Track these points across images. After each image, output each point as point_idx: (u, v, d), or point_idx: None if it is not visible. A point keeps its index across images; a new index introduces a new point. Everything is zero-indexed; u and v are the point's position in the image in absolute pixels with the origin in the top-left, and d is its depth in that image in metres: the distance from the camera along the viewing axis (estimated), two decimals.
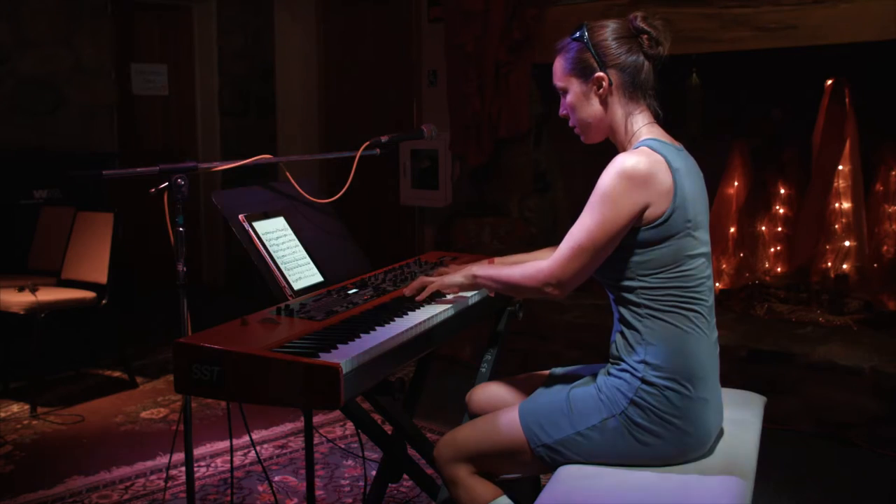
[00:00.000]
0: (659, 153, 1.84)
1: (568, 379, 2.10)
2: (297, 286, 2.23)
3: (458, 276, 2.10)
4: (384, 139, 2.53)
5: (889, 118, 4.29)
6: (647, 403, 1.83)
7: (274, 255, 2.23)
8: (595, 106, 1.96)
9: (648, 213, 1.81)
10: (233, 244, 6.33)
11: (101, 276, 4.20)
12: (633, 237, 1.84)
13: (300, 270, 2.28)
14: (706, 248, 1.90)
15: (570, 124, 2.02)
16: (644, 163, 1.81)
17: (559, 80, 1.99)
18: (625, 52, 1.92)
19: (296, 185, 2.49)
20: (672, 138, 1.96)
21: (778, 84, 4.63)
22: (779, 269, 4.72)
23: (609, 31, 1.93)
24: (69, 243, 4.38)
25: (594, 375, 1.97)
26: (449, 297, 2.16)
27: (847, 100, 4.41)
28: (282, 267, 2.22)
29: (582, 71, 1.94)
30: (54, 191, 5.14)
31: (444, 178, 5.59)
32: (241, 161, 2.35)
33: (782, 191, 4.76)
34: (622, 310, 1.91)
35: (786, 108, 4.74)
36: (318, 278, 2.32)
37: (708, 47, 4.21)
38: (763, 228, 4.77)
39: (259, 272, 2.21)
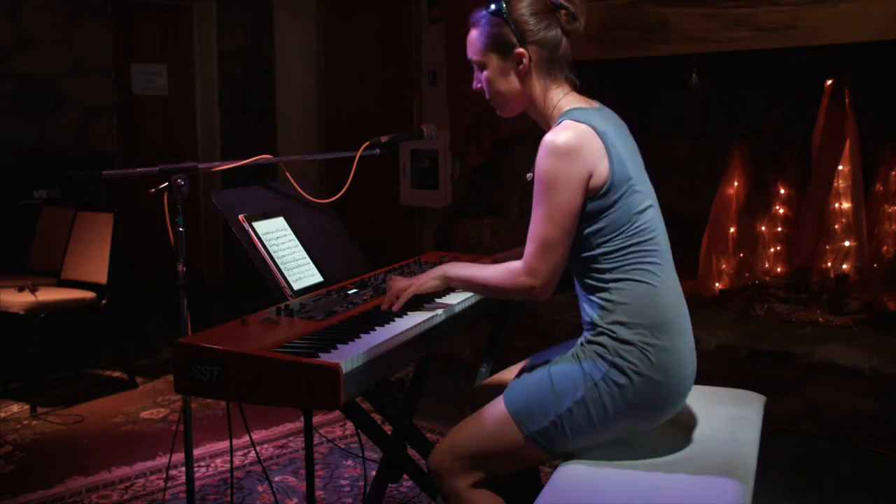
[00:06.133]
0: (583, 122, 1.84)
1: (544, 360, 2.08)
2: (296, 286, 2.23)
3: (430, 279, 2.04)
4: (384, 139, 2.53)
5: (889, 118, 4.29)
6: (627, 361, 1.83)
7: (274, 255, 2.23)
8: (514, 82, 1.95)
9: (593, 182, 1.82)
10: (233, 244, 6.33)
11: (101, 276, 4.20)
12: (584, 212, 1.84)
13: (300, 270, 2.28)
14: (652, 200, 1.92)
15: (487, 97, 2.01)
16: (571, 136, 1.81)
17: (476, 54, 1.97)
18: (544, 27, 1.91)
19: (296, 185, 2.49)
20: (590, 100, 1.96)
21: (778, 84, 4.64)
22: (779, 269, 4.72)
23: (527, 4, 1.91)
24: (69, 243, 4.38)
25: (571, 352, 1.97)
26: (428, 305, 2.08)
27: (847, 100, 4.40)
28: (281, 267, 2.22)
29: (500, 46, 1.93)
30: (54, 191, 5.15)
31: (444, 178, 5.59)
32: (241, 161, 2.35)
33: (782, 191, 4.76)
34: (587, 279, 1.91)
35: (786, 108, 4.74)
36: (318, 278, 2.32)
37: (708, 47, 4.21)
38: (763, 228, 4.76)
39: (259, 272, 2.21)
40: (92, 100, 5.82)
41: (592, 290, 1.90)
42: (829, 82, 4.47)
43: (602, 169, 1.82)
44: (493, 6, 1.93)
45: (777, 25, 3.97)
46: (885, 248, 4.40)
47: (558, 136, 1.82)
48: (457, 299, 2.16)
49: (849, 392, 3.54)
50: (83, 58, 5.76)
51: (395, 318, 1.97)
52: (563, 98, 1.95)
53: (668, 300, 1.89)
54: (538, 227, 1.83)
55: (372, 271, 2.46)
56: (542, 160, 1.82)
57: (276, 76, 6.82)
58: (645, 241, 1.87)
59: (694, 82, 4.64)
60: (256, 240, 2.23)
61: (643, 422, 1.89)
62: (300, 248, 2.34)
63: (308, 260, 2.33)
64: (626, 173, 1.85)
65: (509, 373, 2.24)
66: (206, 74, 6.67)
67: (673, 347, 1.86)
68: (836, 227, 4.40)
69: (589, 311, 1.92)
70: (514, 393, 1.93)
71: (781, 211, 4.76)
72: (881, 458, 3.36)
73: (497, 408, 1.93)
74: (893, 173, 4.41)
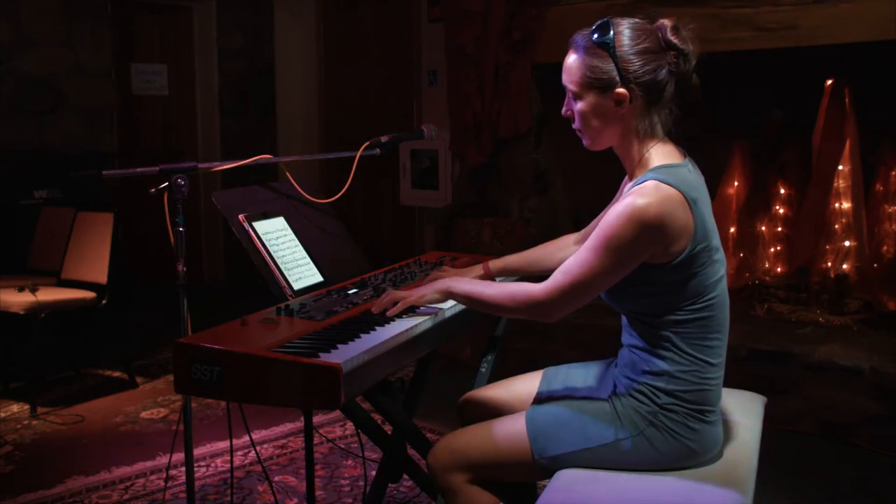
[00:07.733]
0: (673, 186, 1.71)
1: (574, 385, 2.06)
2: (297, 286, 2.23)
3: (432, 292, 1.98)
4: (384, 139, 2.53)
5: (889, 118, 4.29)
6: (666, 427, 1.81)
7: (274, 255, 2.23)
8: (608, 121, 1.81)
9: (669, 251, 1.72)
10: (233, 244, 6.33)
11: (101, 276, 4.20)
12: (657, 275, 1.75)
13: (300, 270, 2.28)
14: (724, 269, 1.84)
15: (575, 127, 1.87)
16: (655, 206, 1.68)
17: (573, 84, 1.81)
18: (651, 69, 1.77)
19: (296, 185, 2.49)
20: (680, 151, 1.85)
21: (778, 84, 4.63)
22: (779, 269, 4.72)
23: (637, 41, 1.77)
24: (69, 243, 4.38)
25: (602, 376, 1.93)
26: (421, 310, 2.05)
27: (847, 100, 4.40)
28: (282, 267, 2.22)
29: (601, 82, 1.77)
30: (54, 191, 5.14)
31: (444, 178, 5.59)
32: (241, 161, 2.35)
33: (782, 191, 4.76)
34: (644, 335, 1.83)
35: (786, 108, 4.74)
36: (318, 278, 2.32)
37: (708, 47, 4.19)
38: (763, 228, 4.76)
39: (259, 272, 2.21)
40: (92, 100, 5.82)
41: (647, 350, 1.83)
42: (829, 82, 4.47)
43: (680, 243, 1.71)
44: (600, 35, 1.77)
45: (777, 25, 3.96)
46: (885, 248, 4.40)
47: (640, 200, 1.68)
48: None
49: (849, 392, 3.53)
50: (83, 58, 5.76)
51: (396, 318, 1.97)
52: (654, 147, 1.82)
53: (718, 380, 1.84)
54: (579, 269, 1.73)
55: (372, 271, 2.46)
56: (619, 220, 1.69)
57: (276, 76, 6.82)
58: (712, 316, 1.79)
59: (694, 82, 4.64)
60: (256, 240, 2.23)
61: (658, 469, 1.85)
62: (300, 248, 2.34)
63: (308, 260, 2.33)
64: (710, 244, 1.76)
65: (498, 387, 2.22)
66: (206, 74, 6.66)
67: (712, 421, 1.84)
68: (836, 227, 4.40)
69: (636, 363, 1.85)
70: (538, 417, 1.90)
71: (781, 211, 4.76)
72: (881, 458, 3.35)
73: (514, 424, 1.90)
74: (893, 173, 4.40)
